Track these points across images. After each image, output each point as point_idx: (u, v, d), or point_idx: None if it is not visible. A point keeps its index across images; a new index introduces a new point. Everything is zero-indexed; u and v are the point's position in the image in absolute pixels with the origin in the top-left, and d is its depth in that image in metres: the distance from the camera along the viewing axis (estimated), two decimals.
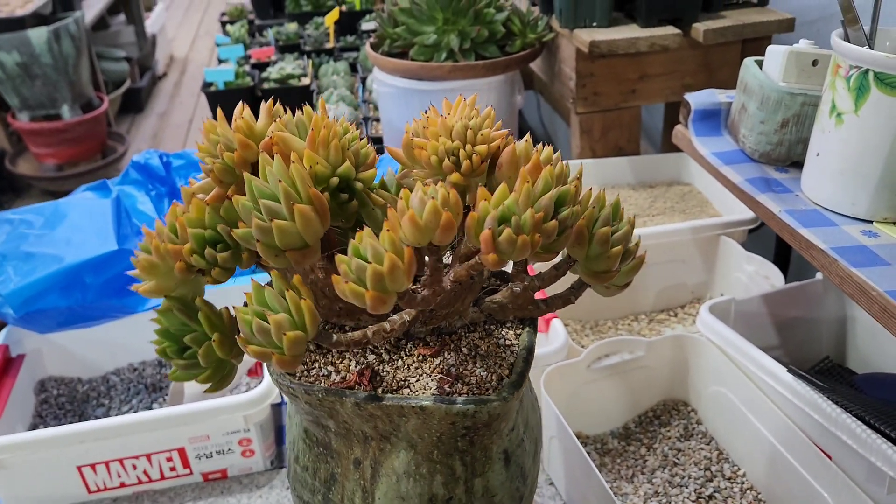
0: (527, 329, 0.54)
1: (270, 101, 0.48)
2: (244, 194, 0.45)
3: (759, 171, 0.80)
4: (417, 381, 0.49)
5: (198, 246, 0.45)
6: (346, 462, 0.50)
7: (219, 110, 0.48)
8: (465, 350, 0.52)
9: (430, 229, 0.41)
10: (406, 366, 0.51)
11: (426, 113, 0.49)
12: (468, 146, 0.46)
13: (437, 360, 0.51)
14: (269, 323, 0.42)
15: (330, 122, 0.47)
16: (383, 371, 0.50)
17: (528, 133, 0.61)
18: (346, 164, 0.46)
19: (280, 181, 0.42)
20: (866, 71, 0.65)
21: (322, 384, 0.49)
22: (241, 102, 0.48)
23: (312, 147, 0.44)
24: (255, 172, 0.45)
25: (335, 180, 0.45)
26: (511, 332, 0.55)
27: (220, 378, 0.49)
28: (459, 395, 0.48)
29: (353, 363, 0.50)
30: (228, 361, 0.49)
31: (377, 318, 0.50)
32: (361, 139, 0.50)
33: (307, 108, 0.48)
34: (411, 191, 0.43)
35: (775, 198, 0.75)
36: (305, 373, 0.50)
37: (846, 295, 0.65)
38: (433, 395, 0.48)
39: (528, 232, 0.41)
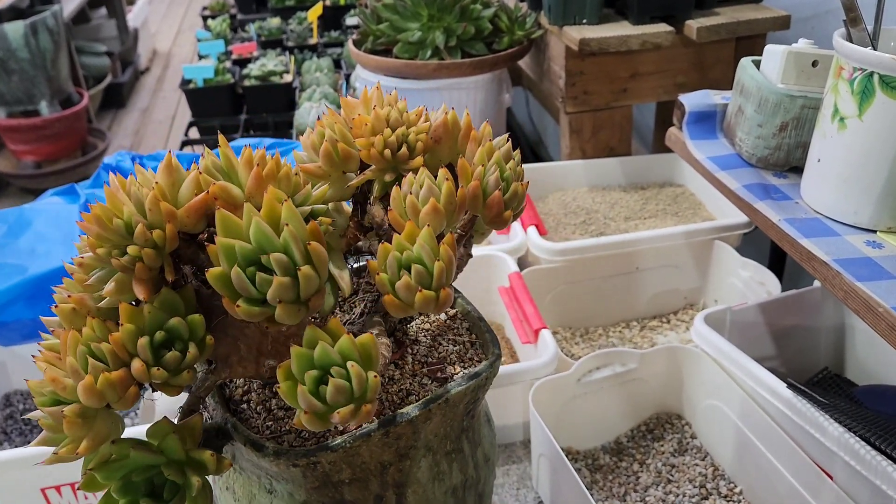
0: (453, 295, 0.55)
1: (169, 155, 0.41)
2: (178, 273, 0.40)
3: (756, 177, 0.77)
4: (412, 385, 0.48)
5: (153, 356, 0.38)
6: None
7: (105, 187, 0.40)
8: (422, 339, 0.52)
9: (449, 213, 0.43)
10: (388, 379, 0.48)
11: (321, 120, 0.47)
12: (412, 130, 0.46)
13: (409, 360, 0.50)
14: (343, 380, 0.37)
15: (261, 152, 0.42)
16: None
17: (512, 132, 0.59)
18: (305, 189, 0.42)
19: (287, 225, 0.37)
20: (871, 73, 0.61)
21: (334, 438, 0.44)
22: (113, 174, 0.40)
23: (260, 184, 0.40)
24: (187, 241, 0.41)
25: (305, 209, 0.41)
26: None
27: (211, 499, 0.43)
28: (455, 376, 0.48)
29: None
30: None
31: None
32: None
33: (221, 149, 0.42)
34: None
35: (774, 205, 0.72)
36: (297, 437, 0.45)
37: (850, 310, 0.62)
38: (437, 386, 0.48)
39: (520, 181, 0.46)
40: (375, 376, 0.38)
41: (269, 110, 1.90)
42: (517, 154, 0.47)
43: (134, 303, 0.40)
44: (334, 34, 2.34)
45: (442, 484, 0.49)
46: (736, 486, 0.80)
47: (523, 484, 0.85)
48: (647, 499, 0.80)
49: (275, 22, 2.37)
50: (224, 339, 0.43)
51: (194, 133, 2.03)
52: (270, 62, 1.90)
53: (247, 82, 1.89)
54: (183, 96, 3.04)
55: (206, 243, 0.39)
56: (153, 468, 0.40)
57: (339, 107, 1.71)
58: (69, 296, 0.41)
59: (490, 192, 0.44)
